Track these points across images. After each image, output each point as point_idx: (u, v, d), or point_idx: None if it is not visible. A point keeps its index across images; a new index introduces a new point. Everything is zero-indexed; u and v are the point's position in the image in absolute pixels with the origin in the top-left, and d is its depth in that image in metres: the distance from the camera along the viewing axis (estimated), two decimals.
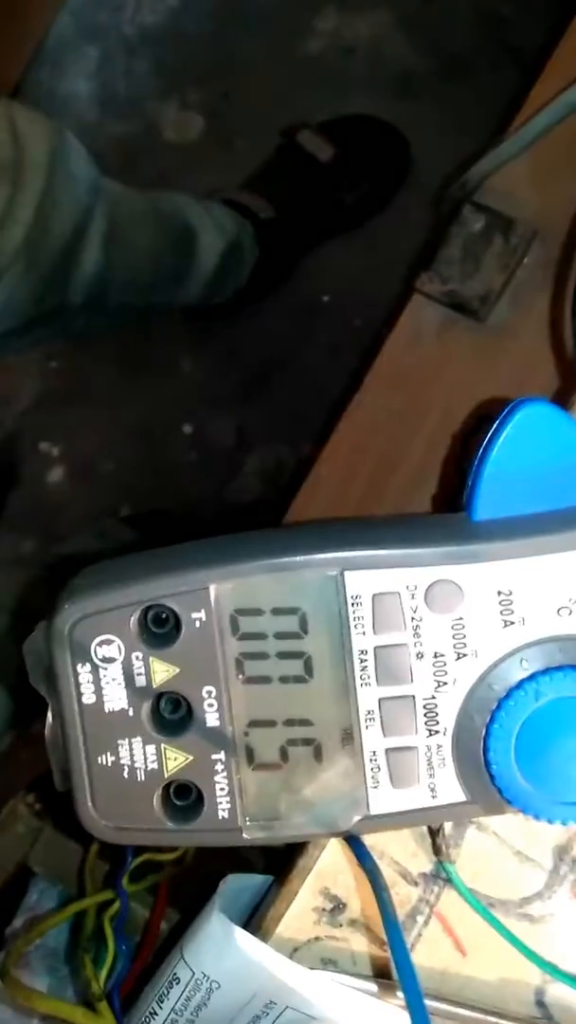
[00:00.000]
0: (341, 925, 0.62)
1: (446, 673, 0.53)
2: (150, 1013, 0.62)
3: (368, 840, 0.59)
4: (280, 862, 0.66)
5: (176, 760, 0.54)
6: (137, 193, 1.39)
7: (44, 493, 1.91)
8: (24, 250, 1.07)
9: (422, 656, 0.53)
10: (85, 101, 1.95)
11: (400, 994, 0.57)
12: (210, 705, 0.54)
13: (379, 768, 0.54)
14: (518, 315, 0.91)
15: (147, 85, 1.93)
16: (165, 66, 1.93)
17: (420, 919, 0.62)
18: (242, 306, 1.74)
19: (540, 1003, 0.61)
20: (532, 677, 0.52)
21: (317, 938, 0.62)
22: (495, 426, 0.54)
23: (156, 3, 1.93)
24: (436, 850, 0.61)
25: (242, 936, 0.59)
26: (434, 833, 0.61)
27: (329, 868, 0.63)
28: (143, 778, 0.54)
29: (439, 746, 0.54)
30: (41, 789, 0.84)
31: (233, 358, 1.83)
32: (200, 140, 1.90)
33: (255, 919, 0.64)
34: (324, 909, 0.63)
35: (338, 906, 0.63)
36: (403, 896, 0.62)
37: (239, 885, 0.67)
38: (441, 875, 0.62)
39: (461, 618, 0.53)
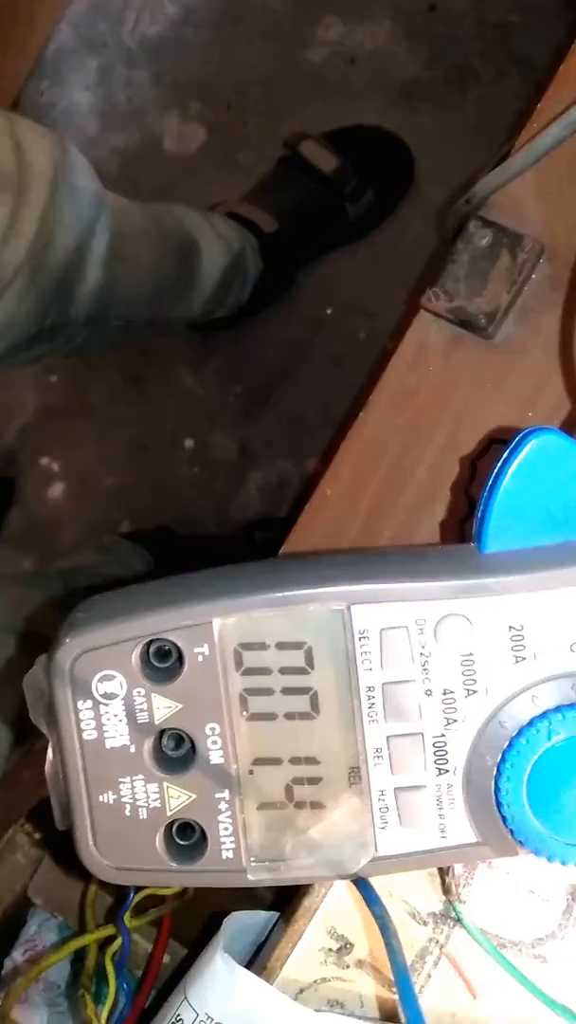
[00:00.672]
0: (348, 966, 0.61)
1: (456, 710, 0.52)
2: None
3: (376, 878, 0.57)
4: (287, 896, 0.65)
5: (179, 798, 0.53)
6: (140, 206, 1.38)
7: (44, 508, 1.90)
8: (27, 265, 1.06)
9: (431, 693, 0.52)
10: (85, 112, 1.94)
11: None
12: (213, 742, 0.52)
13: (387, 808, 0.53)
14: (526, 332, 0.89)
15: (148, 96, 1.92)
16: (166, 77, 1.91)
17: (430, 960, 0.61)
18: (244, 319, 1.73)
19: None
20: (544, 715, 0.51)
21: (323, 979, 0.61)
22: (504, 456, 0.53)
23: (157, 13, 1.92)
24: (446, 890, 0.60)
25: (246, 977, 0.57)
26: (444, 872, 0.60)
27: (336, 907, 0.61)
28: (145, 816, 0.53)
29: (449, 785, 0.52)
30: (41, 817, 0.83)
31: (235, 372, 1.82)
32: (201, 151, 1.88)
33: (260, 958, 0.63)
34: (331, 949, 0.61)
35: (345, 946, 0.61)
36: (412, 936, 0.61)
37: (243, 923, 0.65)
38: (451, 915, 0.60)
39: (471, 653, 0.51)
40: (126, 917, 0.69)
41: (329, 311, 1.78)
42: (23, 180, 1.05)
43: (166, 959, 0.75)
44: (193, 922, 0.75)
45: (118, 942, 0.70)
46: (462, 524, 0.80)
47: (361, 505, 0.92)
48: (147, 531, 1.77)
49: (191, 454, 1.83)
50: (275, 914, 0.66)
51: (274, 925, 0.67)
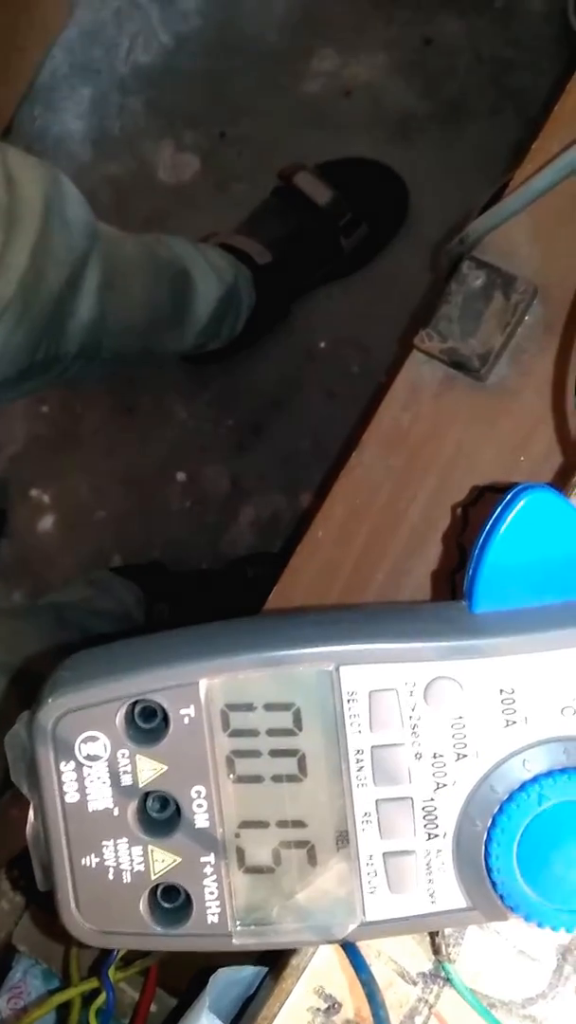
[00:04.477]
0: None
1: (446, 774, 0.51)
2: None
3: None
4: (274, 951, 0.64)
5: (163, 862, 0.52)
6: (133, 238, 1.37)
7: (35, 541, 1.89)
8: (18, 298, 1.05)
9: (421, 756, 0.51)
10: (78, 140, 1.93)
11: None
12: (199, 805, 0.52)
13: (376, 873, 0.52)
14: (518, 374, 0.89)
15: (141, 124, 1.91)
16: (160, 106, 1.91)
17: (419, 1020, 0.60)
18: (237, 351, 1.72)
19: None
20: (535, 780, 0.50)
21: None
22: (495, 514, 0.52)
23: (150, 42, 1.92)
24: (435, 949, 0.59)
25: None
26: (433, 932, 0.59)
27: (323, 967, 0.60)
28: (129, 880, 0.52)
29: (439, 850, 0.52)
30: (27, 863, 0.82)
31: (228, 404, 1.81)
32: (195, 181, 1.88)
33: (247, 1017, 0.62)
34: (318, 1009, 0.60)
35: (333, 1006, 0.60)
36: (401, 996, 0.60)
37: (229, 978, 0.65)
38: (441, 974, 0.60)
39: (461, 716, 0.51)
40: (111, 971, 0.69)
41: (322, 344, 1.78)
42: (14, 212, 1.04)
43: (153, 1008, 0.75)
44: (181, 972, 0.74)
45: (103, 997, 0.69)
46: (453, 576, 0.79)
47: (353, 547, 0.91)
48: (138, 566, 1.76)
49: (183, 487, 1.83)
50: (262, 969, 0.65)
51: (261, 980, 0.66)
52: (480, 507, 0.84)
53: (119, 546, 1.84)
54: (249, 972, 0.65)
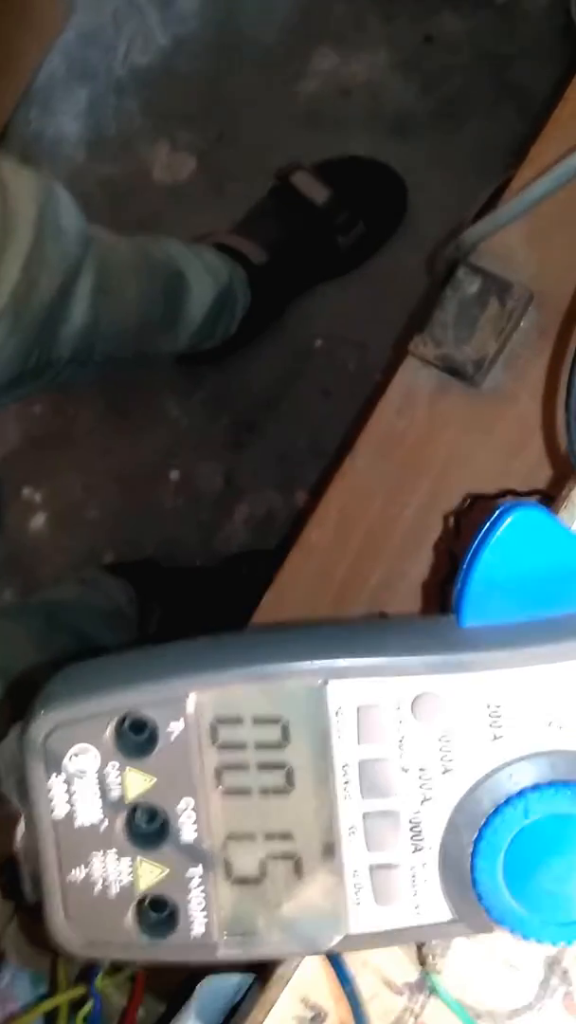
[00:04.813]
0: None
1: (432, 788, 0.51)
2: None
3: None
4: None
5: (151, 874, 0.52)
6: (127, 241, 1.37)
7: (26, 540, 1.89)
8: (10, 308, 1.05)
9: (407, 770, 0.51)
10: (74, 142, 1.93)
11: None
12: (187, 817, 0.52)
13: (362, 885, 0.52)
14: (513, 380, 0.89)
15: (138, 126, 1.91)
16: (156, 107, 1.91)
17: None
18: (232, 350, 1.72)
19: None
20: (521, 793, 0.50)
21: None
22: (484, 530, 0.52)
23: (148, 44, 1.92)
24: (421, 959, 0.59)
25: None
26: (420, 942, 0.59)
27: (309, 976, 0.61)
28: (116, 892, 0.52)
29: (424, 863, 0.52)
30: (13, 869, 0.82)
31: (222, 402, 1.81)
32: (191, 181, 1.88)
33: None
34: (304, 1018, 0.61)
35: (318, 1015, 0.60)
36: (387, 1006, 0.60)
37: (216, 986, 0.65)
38: (427, 984, 0.60)
39: (448, 730, 0.51)
40: (98, 979, 0.69)
41: (318, 343, 1.78)
42: (7, 223, 1.04)
43: (141, 1013, 0.75)
44: (169, 977, 0.74)
45: (90, 1004, 0.69)
46: (444, 585, 0.79)
47: (348, 551, 0.92)
48: (131, 563, 1.76)
49: (176, 486, 1.83)
50: (249, 976, 0.66)
51: (248, 988, 0.66)
52: (472, 516, 0.84)
53: (112, 544, 1.84)
54: (236, 980, 0.65)
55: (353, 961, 0.59)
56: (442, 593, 0.81)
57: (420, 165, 1.75)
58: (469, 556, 0.52)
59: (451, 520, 0.85)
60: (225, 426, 1.81)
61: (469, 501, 0.85)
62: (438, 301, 0.89)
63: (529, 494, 0.84)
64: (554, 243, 0.87)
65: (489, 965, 0.59)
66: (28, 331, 1.11)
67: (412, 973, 0.60)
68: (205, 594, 1.74)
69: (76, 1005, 0.72)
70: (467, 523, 0.84)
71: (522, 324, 0.88)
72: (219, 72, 1.87)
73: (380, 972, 0.60)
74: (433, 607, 0.84)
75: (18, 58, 1.92)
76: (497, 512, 0.52)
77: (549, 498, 0.83)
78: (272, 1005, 0.60)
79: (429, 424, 0.91)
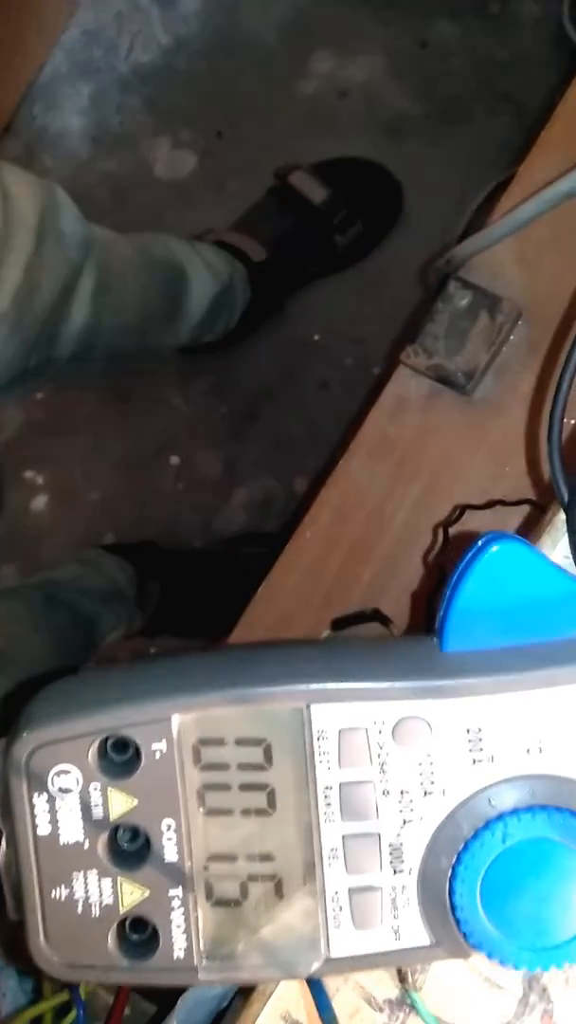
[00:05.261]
0: None
1: (412, 811, 0.52)
2: None
3: None
4: None
5: (132, 894, 0.53)
6: (128, 240, 1.37)
7: (28, 521, 1.90)
8: (11, 311, 1.05)
9: (388, 793, 0.52)
10: (77, 137, 1.94)
11: None
12: (169, 839, 0.52)
13: (341, 908, 0.52)
14: (503, 391, 0.90)
15: (140, 122, 1.92)
16: (158, 104, 1.91)
17: None
18: (232, 343, 1.73)
19: None
20: (500, 817, 0.51)
21: None
22: (467, 559, 0.53)
23: (150, 42, 1.92)
24: (402, 977, 0.60)
25: None
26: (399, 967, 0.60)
27: (290, 992, 0.61)
28: (98, 913, 0.53)
29: (404, 886, 0.52)
30: None
31: (222, 392, 1.82)
32: (192, 178, 1.88)
33: None
34: None
35: None
36: (368, 1023, 0.61)
37: (199, 996, 0.65)
38: (407, 1002, 0.60)
39: (429, 754, 0.51)
40: (81, 989, 0.69)
41: (317, 337, 1.79)
42: (8, 228, 1.05)
43: (127, 1011, 0.75)
44: None
45: (74, 1013, 0.70)
46: (431, 599, 0.80)
47: (339, 550, 0.92)
48: (131, 544, 1.77)
49: (176, 470, 1.84)
50: (232, 987, 0.66)
51: (231, 998, 0.67)
52: (457, 543, 0.85)
53: (112, 526, 1.86)
54: (219, 989, 0.66)
55: (334, 977, 0.59)
56: (429, 606, 0.82)
57: (415, 166, 1.76)
58: (452, 584, 0.53)
59: (440, 531, 0.86)
60: (225, 414, 1.82)
61: (459, 512, 0.85)
62: (429, 313, 0.89)
63: (518, 503, 0.85)
64: (543, 260, 0.88)
65: (469, 982, 0.60)
66: (29, 333, 1.11)
67: (393, 990, 0.61)
68: (203, 574, 1.75)
69: (61, 1011, 0.73)
70: (456, 545, 0.85)
71: (512, 338, 0.89)
72: (220, 72, 1.88)
73: (361, 988, 0.61)
74: (420, 617, 0.85)
75: (23, 53, 1.93)
76: (480, 543, 0.53)
77: (539, 507, 0.84)
78: (254, 1020, 0.61)
79: (421, 430, 0.92)
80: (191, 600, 1.72)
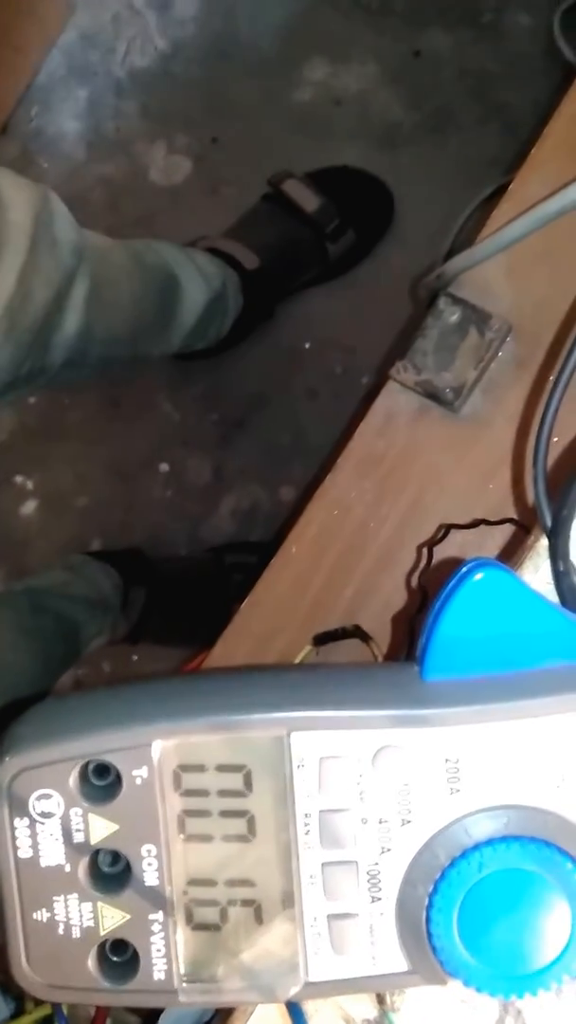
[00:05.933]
0: None
1: (391, 839, 0.52)
2: None
3: None
4: None
5: (113, 918, 0.53)
6: (122, 246, 1.37)
7: (16, 525, 1.91)
8: (5, 318, 1.05)
9: (367, 821, 0.52)
10: (73, 141, 1.94)
11: None
12: (149, 864, 0.53)
13: (319, 934, 0.53)
14: (491, 408, 0.90)
15: (135, 127, 1.92)
16: (154, 109, 1.92)
17: None
18: (223, 350, 1.73)
19: None
20: (477, 847, 0.51)
21: None
22: (449, 587, 0.53)
23: (147, 46, 1.93)
24: (380, 999, 0.60)
25: None
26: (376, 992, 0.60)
27: (271, 1010, 0.62)
28: (78, 936, 0.53)
29: (381, 913, 0.53)
30: None
31: (212, 399, 1.83)
32: (186, 184, 1.89)
33: None
34: None
35: None
36: None
37: (180, 1011, 0.66)
38: (386, 1022, 0.61)
39: (407, 784, 0.52)
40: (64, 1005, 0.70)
41: (307, 345, 1.79)
42: (2, 235, 1.05)
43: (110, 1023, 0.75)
44: None
45: None
46: (412, 620, 0.80)
47: (324, 564, 0.93)
48: (117, 551, 1.77)
49: (165, 477, 1.84)
50: None
51: (213, 1014, 0.67)
52: (443, 543, 0.85)
53: (99, 532, 1.87)
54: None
55: (314, 998, 0.60)
56: (411, 629, 0.82)
57: (407, 176, 1.77)
58: (434, 612, 0.53)
59: (424, 552, 0.86)
60: (215, 421, 1.83)
61: (443, 531, 0.86)
62: (419, 329, 0.89)
63: (501, 523, 0.85)
64: (533, 278, 0.88)
65: (446, 1004, 0.61)
66: (22, 340, 1.11)
67: (371, 1010, 0.61)
68: (189, 582, 1.76)
69: (44, 1023, 0.73)
70: (440, 561, 0.85)
71: (500, 354, 0.89)
72: (215, 77, 1.89)
73: (341, 1008, 0.61)
74: (402, 636, 0.85)
75: (20, 55, 1.93)
76: (463, 569, 0.53)
77: (523, 527, 0.84)
78: None
79: (408, 446, 0.92)
80: (176, 608, 1.72)
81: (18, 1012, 0.75)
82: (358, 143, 1.80)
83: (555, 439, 0.79)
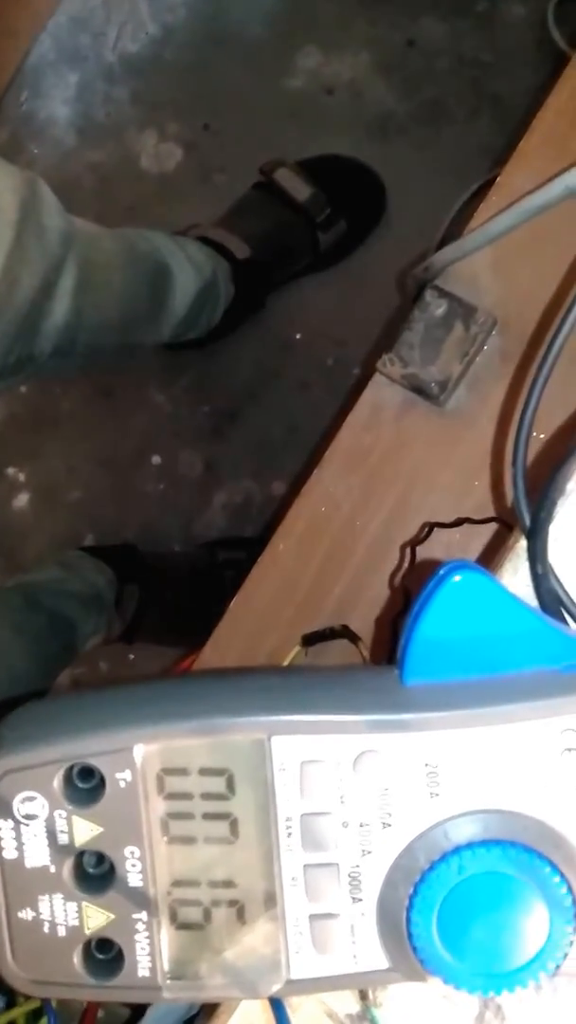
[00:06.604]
0: None
1: (371, 842, 0.53)
2: None
3: None
4: None
5: (97, 918, 0.54)
6: (111, 234, 1.37)
7: (9, 518, 1.91)
8: None
9: (348, 824, 0.53)
10: (64, 126, 1.94)
11: None
12: (133, 865, 0.53)
13: (301, 933, 0.54)
14: (476, 402, 0.91)
15: (126, 113, 1.92)
16: (145, 95, 1.92)
17: None
18: (214, 340, 1.73)
19: None
20: (456, 850, 0.52)
21: None
22: (428, 590, 0.54)
23: (138, 32, 1.92)
24: (362, 994, 0.61)
25: None
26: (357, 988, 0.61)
27: (255, 1007, 0.62)
28: (64, 934, 0.54)
29: (362, 913, 0.53)
30: None
31: (204, 391, 1.83)
32: (177, 172, 1.89)
33: None
34: None
35: None
36: None
37: (168, 1007, 0.66)
38: (368, 1017, 0.62)
39: (388, 788, 0.52)
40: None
41: (298, 336, 1.80)
42: None
43: (101, 1014, 0.76)
44: None
45: (45, 1020, 0.71)
46: (395, 622, 0.81)
47: (313, 561, 0.93)
48: (110, 547, 1.77)
49: (158, 470, 1.84)
50: None
51: (199, 1009, 0.68)
52: (426, 542, 0.86)
53: (92, 526, 1.87)
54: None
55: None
56: (394, 630, 0.82)
57: (399, 166, 1.78)
58: (413, 615, 0.54)
59: (408, 551, 0.87)
60: (206, 414, 1.83)
61: (427, 530, 0.86)
62: (405, 322, 0.90)
63: (485, 521, 0.86)
64: (519, 272, 0.88)
65: (427, 1000, 0.61)
66: (9, 328, 1.11)
67: (354, 1005, 0.62)
68: (183, 578, 1.76)
69: (35, 1016, 0.74)
70: (421, 561, 0.85)
71: (486, 348, 0.90)
72: (207, 64, 1.89)
73: (323, 1003, 0.62)
74: (384, 641, 0.85)
75: (10, 39, 1.93)
76: (441, 573, 0.54)
77: (506, 525, 0.84)
78: None
79: (394, 440, 0.92)
80: (170, 606, 1.73)
81: (10, 1004, 0.76)
82: (350, 132, 1.80)
83: (540, 435, 0.80)
